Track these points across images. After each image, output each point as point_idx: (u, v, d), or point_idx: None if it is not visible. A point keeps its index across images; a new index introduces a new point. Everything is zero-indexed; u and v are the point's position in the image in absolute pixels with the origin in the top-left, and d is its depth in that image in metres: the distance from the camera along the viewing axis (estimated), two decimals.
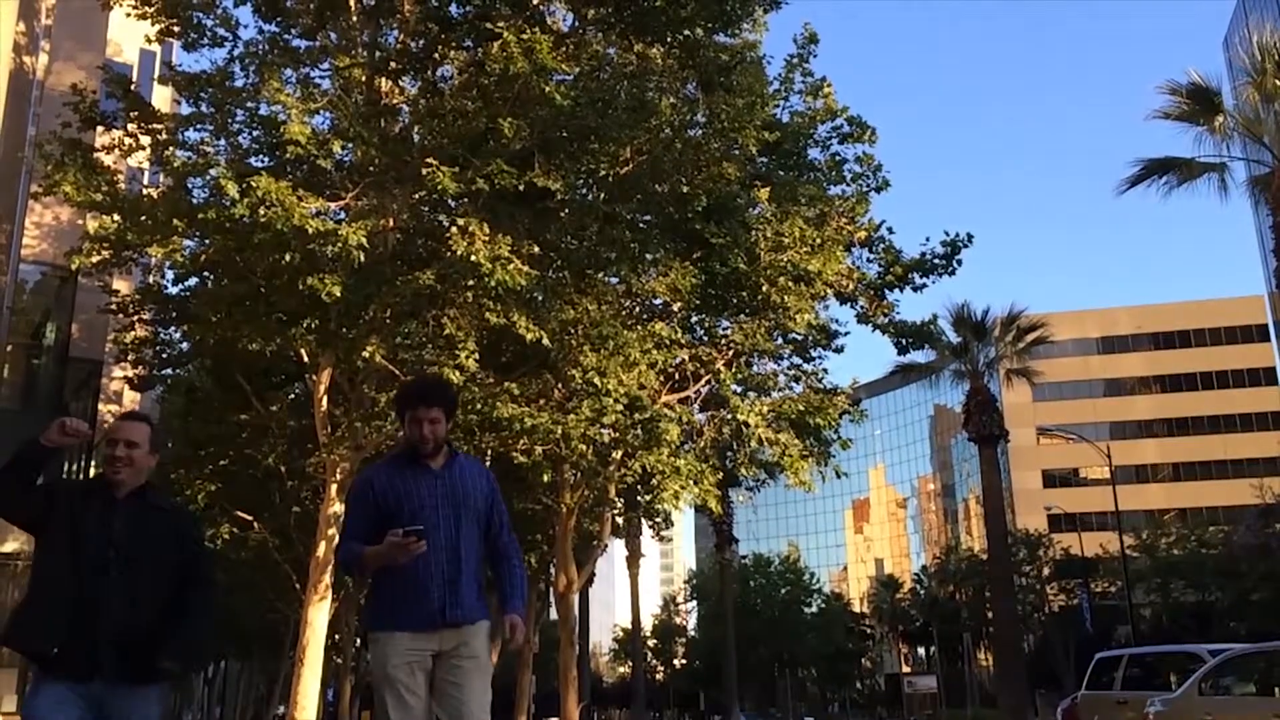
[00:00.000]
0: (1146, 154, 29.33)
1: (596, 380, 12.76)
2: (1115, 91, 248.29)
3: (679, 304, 15.51)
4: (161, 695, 3.93)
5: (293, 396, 18.37)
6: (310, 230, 11.20)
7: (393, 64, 14.04)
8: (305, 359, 14.53)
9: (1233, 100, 21.22)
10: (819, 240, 15.17)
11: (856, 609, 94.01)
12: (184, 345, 16.35)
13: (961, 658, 74.69)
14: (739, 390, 16.80)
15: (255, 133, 14.09)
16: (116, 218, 12.83)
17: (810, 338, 17.89)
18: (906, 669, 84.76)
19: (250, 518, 20.64)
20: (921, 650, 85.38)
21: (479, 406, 12.77)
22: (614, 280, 14.37)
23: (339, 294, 11.51)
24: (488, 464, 18.49)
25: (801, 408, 15.79)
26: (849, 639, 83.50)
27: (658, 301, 16.09)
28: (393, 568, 4.04)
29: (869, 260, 17.75)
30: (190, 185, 13.13)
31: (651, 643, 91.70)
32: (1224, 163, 20.82)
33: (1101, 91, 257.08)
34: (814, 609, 79.56)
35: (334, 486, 14.17)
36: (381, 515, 4.13)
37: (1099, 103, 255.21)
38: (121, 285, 16.40)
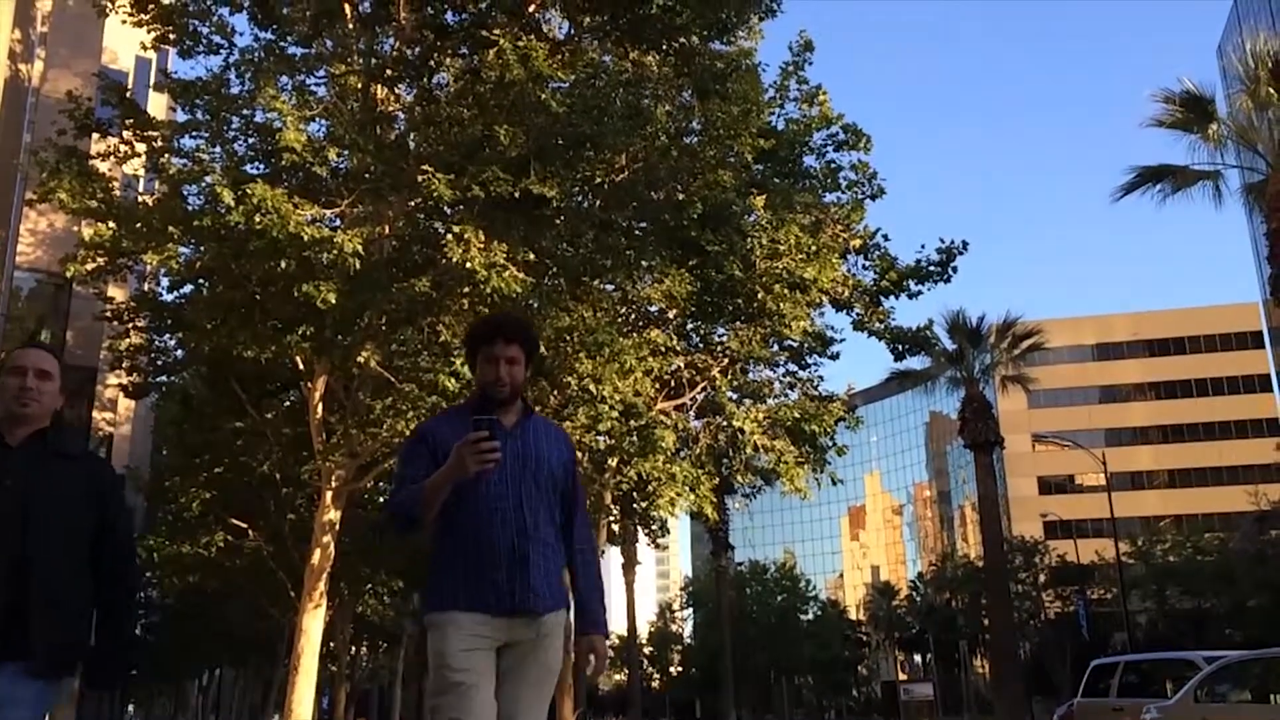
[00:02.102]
0: (1141, 161, 29.44)
1: (592, 387, 12.76)
2: (1110, 99, 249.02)
3: (675, 311, 15.52)
4: (52, 690, 3.17)
5: (288, 404, 18.35)
6: (306, 237, 11.20)
7: (389, 71, 14.05)
8: (300, 366, 14.51)
9: (1226, 108, 21.29)
10: (814, 247, 15.19)
11: (853, 616, 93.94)
12: (179, 352, 16.33)
13: (958, 665, 74.62)
14: (735, 397, 16.81)
15: (251, 140, 14.09)
16: (112, 225, 12.82)
17: (806, 344, 17.90)
18: (903, 676, 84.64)
19: (245, 525, 20.62)
20: (918, 657, 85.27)
21: None
22: (610, 287, 14.37)
23: (334, 301, 11.51)
24: None
25: (797, 414, 15.81)
26: (845, 646, 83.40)
27: (653, 309, 16.10)
28: (451, 540, 3.41)
29: (864, 267, 17.78)
30: (186, 192, 13.13)
31: (648, 650, 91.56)
32: (1218, 170, 20.88)
33: (1097, 99, 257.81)
34: (810, 616, 79.51)
35: (329, 494, 14.16)
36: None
37: (1094, 110, 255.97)
38: (116, 292, 16.39)
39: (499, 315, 3.73)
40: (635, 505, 25.72)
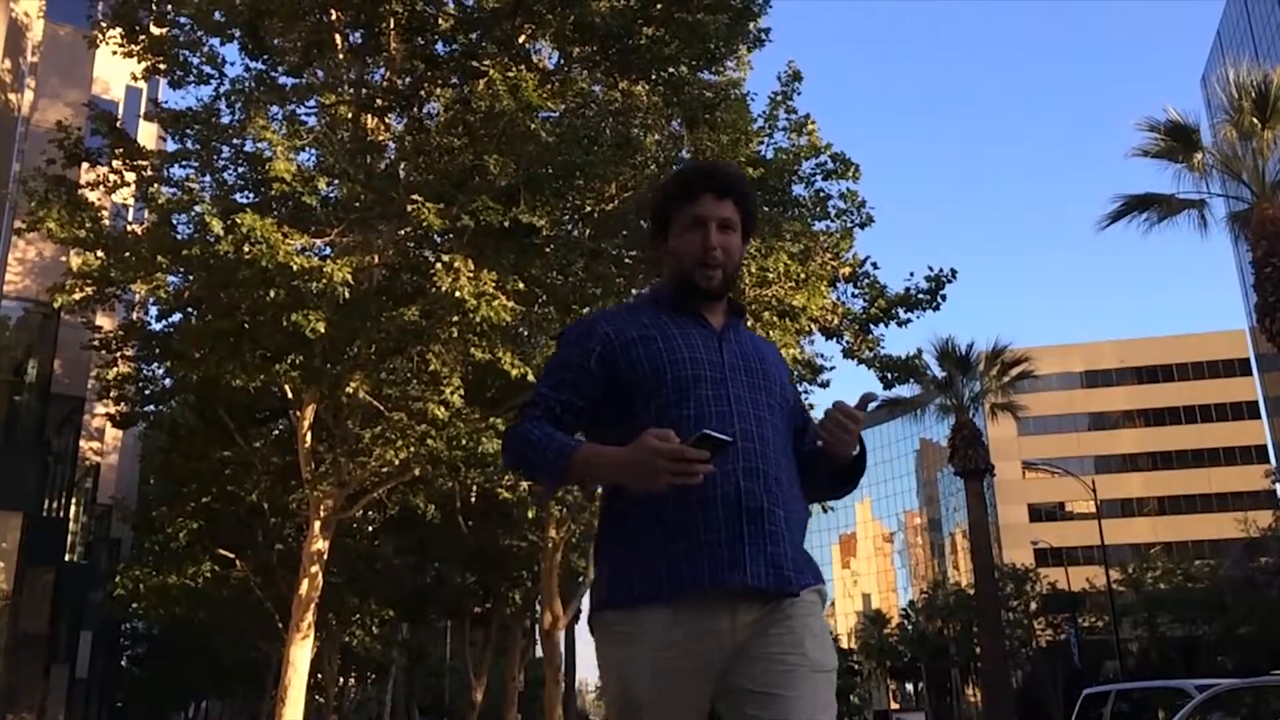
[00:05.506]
0: (1128, 189, 29.70)
1: None
2: (1096, 128, 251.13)
3: None
4: None
5: (276, 433, 18.29)
6: (295, 266, 11.18)
7: (379, 101, 14.11)
8: (289, 395, 14.47)
9: (1211, 137, 21.49)
10: (804, 275, 15.22)
11: (844, 644, 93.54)
12: (167, 381, 16.26)
13: (950, 693, 74.31)
14: None
15: (241, 169, 14.12)
16: (100, 254, 12.80)
17: (796, 372, 17.91)
18: (895, 705, 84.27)
19: (233, 555, 20.50)
20: (910, 686, 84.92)
21: (464, 442, 12.73)
22: None
23: (323, 330, 11.49)
24: (473, 500, 18.53)
25: None
26: (837, 675, 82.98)
27: None
28: (638, 491, 2.16)
29: (853, 295, 17.81)
30: (175, 221, 13.12)
31: None
32: (1203, 199, 21.06)
33: (1085, 128, 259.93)
34: None
35: (317, 523, 14.08)
36: (614, 384, 2.34)
37: (1082, 139, 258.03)
38: (104, 321, 16.34)
39: (705, 163, 2.59)
40: None
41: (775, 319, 15.13)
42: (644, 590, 2.21)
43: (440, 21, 13.68)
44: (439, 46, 14.20)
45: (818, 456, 2.42)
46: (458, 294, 11.17)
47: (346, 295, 11.65)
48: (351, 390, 12.52)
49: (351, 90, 14.29)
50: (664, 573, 2.19)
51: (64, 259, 16.80)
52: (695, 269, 2.38)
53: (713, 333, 2.38)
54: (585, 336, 2.38)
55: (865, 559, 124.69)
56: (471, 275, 11.31)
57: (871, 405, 2.38)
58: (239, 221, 11.04)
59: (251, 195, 13.83)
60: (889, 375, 18.27)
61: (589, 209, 13.64)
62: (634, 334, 2.35)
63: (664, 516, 2.21)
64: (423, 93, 14.24)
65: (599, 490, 2.40)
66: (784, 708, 2.14)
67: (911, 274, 17.42)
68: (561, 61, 14.81)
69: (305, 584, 13.96)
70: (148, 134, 24.24)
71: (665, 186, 2.51)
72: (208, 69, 14.20)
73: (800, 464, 2.42)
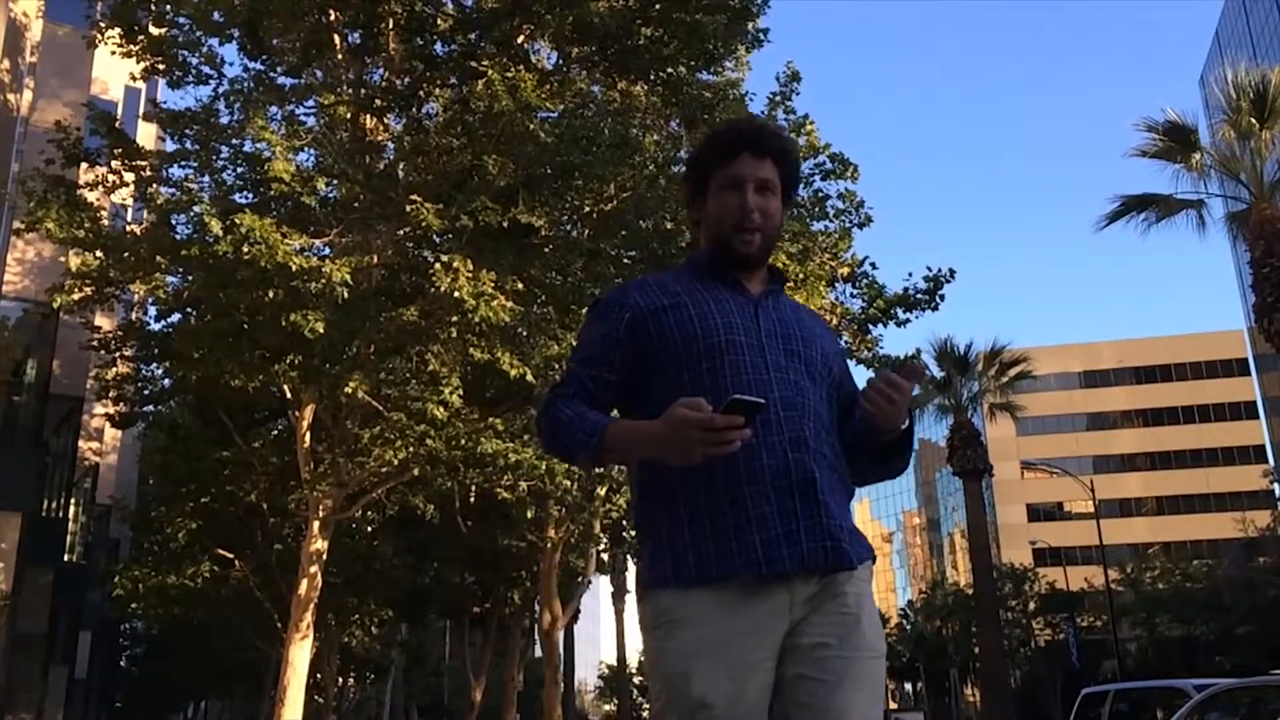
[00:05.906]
0: (1126, 189, 29.74)
1: None
2: (1095, 129, 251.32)
3: None
4: None
5: (275, 433, 18.30)
6: (294, 267, 11.18)
7: (378, 101, 14.11)
8: (288, 395, 14.48)
9: (1209, 137, 21.51)
10: (802, 275, 15.24)
11: None
12: (166, 382, 16.27)
13: (949, 693, 74.33)
14: None
15: (239, 169, 14.12)
16: (99, 254, 12.80)
17: None
18: (893, 705, 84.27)
19: (231, 555, 20.49)
20: (908, 686, 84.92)
21: (463, 442, 12.74)
22: None
23: (322, 330, 11.49)
24: (471, 500, 18.53)
25: None
26: None
27: None
28: (682, 467, 2.03)
29: (852, 295, 17.83)
30: (174, 222, 13.13)
31: (638, 680, 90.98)
32: (1202, 199, 21.07)
33: (1082, 129, 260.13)
34: None
35: (316, 524, 14.09)
36: (645, 352, 2.23)
37: (1080, 140, 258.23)
38: (103, 321, 16.35)
39: (743, 120, 2.46)
40: (624, 533, 25.62)
41: None
42: (694, 571, 2.07)
43: (439, 22, 13.69)
44: (438, 47, 14.21)
45: (866, 434, 2.27)
46: (456, 294, 11.17)
47: (345, 295, 11.65)
48: (350, 390, 12.52)
49: (350, 90, 14.29)
50: (713, 551, 2.06)
51: (63, 259, 16.81)
52: (732, 233, 2.26)
53: (749, 299, 2.26)
54: (613, 306, 2.28)
55: None
56: (470, 275, 11.31)
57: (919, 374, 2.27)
58: (238, 222, 11.04)
59: (250, 195, 13.84)
60: None
61: (588, 209, 13.65)
62: (664, 301, 2.24)
63: (708, 491, 2.09)
64: (421, 93, 14.24)
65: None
66: (840, 698, 2.04)
67: (910, 274, 17.46)
68: (560, 62, 14.82)
69: (304, 584, 13.97)
70: (147, 134, 24.25)
71: (703, 146, 2.36)
72: (206, 69, 14.20)
73: (848, 442, 2.29)
